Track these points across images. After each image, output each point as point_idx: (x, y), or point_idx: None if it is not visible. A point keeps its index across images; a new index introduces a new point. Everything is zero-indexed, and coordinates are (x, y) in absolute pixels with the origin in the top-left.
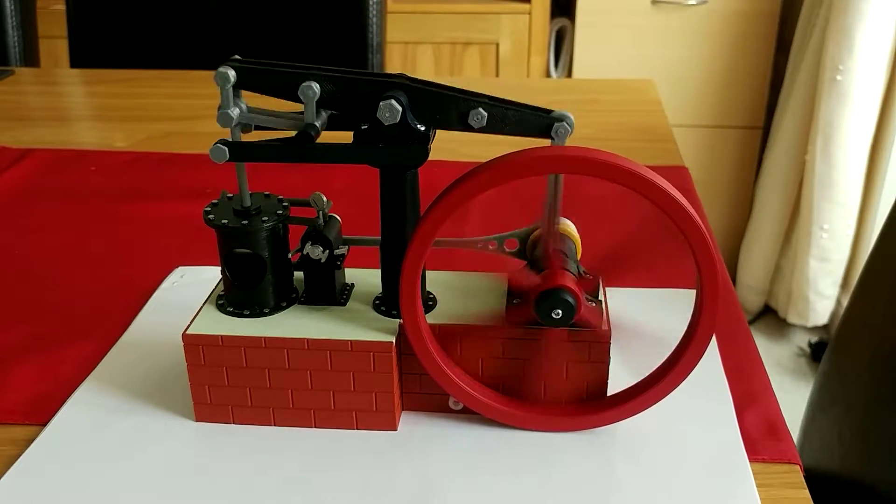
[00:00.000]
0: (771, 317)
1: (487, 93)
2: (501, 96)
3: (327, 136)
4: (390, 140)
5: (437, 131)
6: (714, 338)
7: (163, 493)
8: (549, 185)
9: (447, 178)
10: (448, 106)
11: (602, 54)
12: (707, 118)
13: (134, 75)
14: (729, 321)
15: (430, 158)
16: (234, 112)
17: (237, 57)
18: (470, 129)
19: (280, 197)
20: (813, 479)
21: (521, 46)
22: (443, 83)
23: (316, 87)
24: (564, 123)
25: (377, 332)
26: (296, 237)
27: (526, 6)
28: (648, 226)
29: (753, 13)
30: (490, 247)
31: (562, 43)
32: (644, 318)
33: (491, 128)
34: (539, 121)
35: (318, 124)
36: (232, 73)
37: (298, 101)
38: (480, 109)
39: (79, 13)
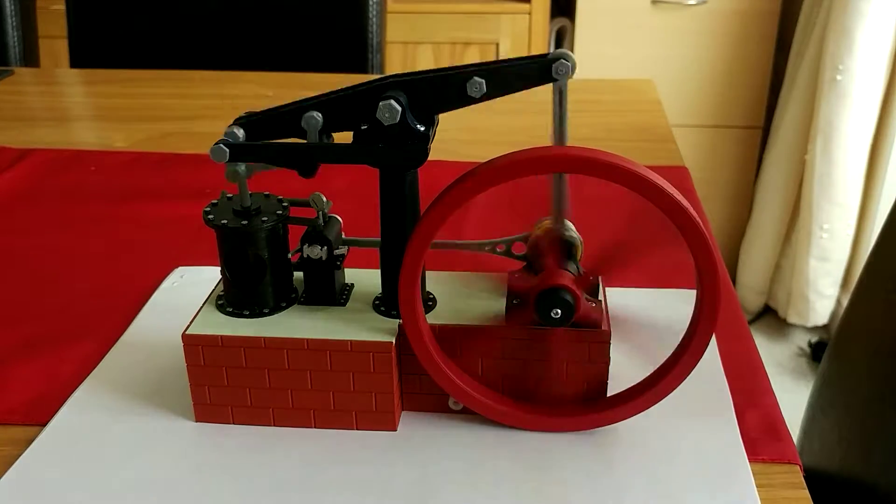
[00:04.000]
0: (771, 317)
1: None
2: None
3: None
4: (390, 140)
5: (437, 132)
6: (714, 338)
7: (163, 493)
8: (554, 183)
9: (447, 178)
10: (444, 85)
11: (602, 54)
12: (707, 118)
13: (134, 75)
14: (729, 321)
15: (430, 158)
16: (241, 167)
17: (240, 121)
18: (472, 100)
19: (280, 197)
20: (813, 479)
21: (521, 46)
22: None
23: (318, 115)
24: (563, 61)
25: (377, 332)
26: (296, 237)
27: (526, 6)
28: (645, 222)
29: (753, 13)
30: (498, 249)
31: (562, 43)
32: (644, 318)
33: (492, 92)
34: (537, 67)
35: None
36: (240, 131)
37: (304, 137)
38: (476, 78)
39: (79, 13)
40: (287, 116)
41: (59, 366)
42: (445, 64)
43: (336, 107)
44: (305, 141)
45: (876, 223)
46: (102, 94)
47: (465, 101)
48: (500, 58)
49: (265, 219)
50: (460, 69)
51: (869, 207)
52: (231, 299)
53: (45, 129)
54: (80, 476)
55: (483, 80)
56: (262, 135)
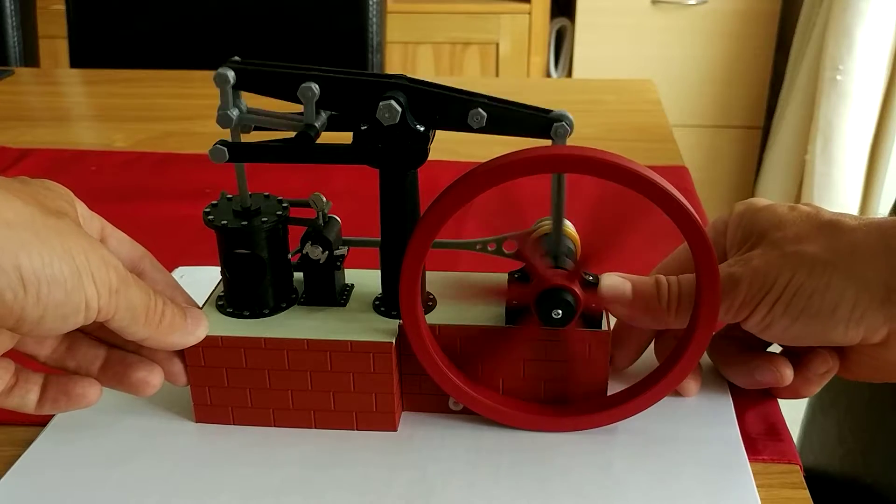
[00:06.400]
0: None
1: (487, 93)
2: (501, 96)
3: (327, 137)
4: (390, 140)
5: (437, 131)
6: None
7: (163, 493)
8: (553, 185)
9: (447, 178)
10: (447, 106)
11: (602, 54)
12: (707, 118)
13: (134, 75)
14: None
15: (430, 158)
16: (234, 113)
17: (237, 58)
18: (469, 129)
19: (280, 197)
20: (813, 479)
21: (521, 46)
22: (442, 83)
23: (315, 87)
24: (563, 123)
25: (377, 332)
26: (296, 237)
27: (526, 6)
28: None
29: (753, 13)
30: (489, 248)
31: (562, 43)
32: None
33: (490, 128)
34: (538, 120)
35: (317, 125)
36: (231, 74)
37: (298, 101)
38: (479, 109)
39: (79, 13)
40: (283, 78)
41: None
42: (445, 64)
43: (335, 86)
44: (300, 120)
45: None
46: (102, 94)
47: (463, 128)
48: (500, 58)
49: (265, 219)
50: (467, 94)
51: (869, 207)
52: (231, 300)
53: (45, 129)
54: (80, 476)
55: (485, 114)
56: (252, 86)
